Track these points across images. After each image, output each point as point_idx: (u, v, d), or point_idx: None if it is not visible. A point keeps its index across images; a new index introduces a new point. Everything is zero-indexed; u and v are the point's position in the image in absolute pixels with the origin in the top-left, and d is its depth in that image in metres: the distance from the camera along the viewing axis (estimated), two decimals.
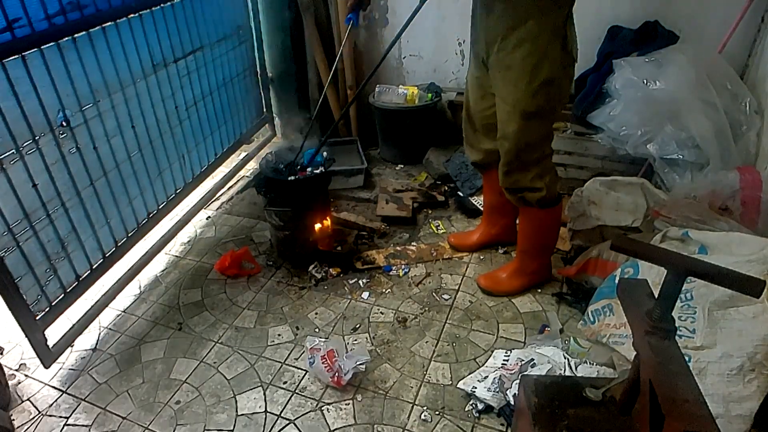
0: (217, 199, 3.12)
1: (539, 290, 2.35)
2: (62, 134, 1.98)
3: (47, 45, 1.85)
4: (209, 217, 2.99)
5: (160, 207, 2.58)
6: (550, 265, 2.37)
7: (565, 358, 1.89)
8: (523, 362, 1.89)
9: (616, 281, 1.91)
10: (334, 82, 3.37)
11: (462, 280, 2.44)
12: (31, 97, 1.83)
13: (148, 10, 2.34)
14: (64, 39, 1.92)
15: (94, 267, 2.22)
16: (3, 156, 1.75)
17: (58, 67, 1.92)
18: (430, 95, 3.12)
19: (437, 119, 3.27)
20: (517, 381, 1.82)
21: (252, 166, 3.43)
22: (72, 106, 2.00)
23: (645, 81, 2.44)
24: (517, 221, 2.30)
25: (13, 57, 1.75)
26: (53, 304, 2.03)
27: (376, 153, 3.48)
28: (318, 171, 2.41)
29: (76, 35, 1.98)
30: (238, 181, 3.31)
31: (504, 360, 1.98)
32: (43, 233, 1.95)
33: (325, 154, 2.48)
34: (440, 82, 3.26)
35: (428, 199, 2.93)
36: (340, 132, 3.50)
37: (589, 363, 1.83)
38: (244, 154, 3.39)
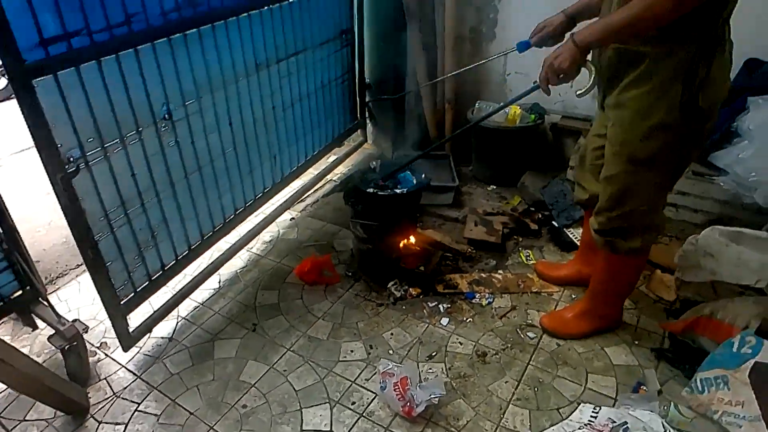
0: (303, 200, 3.11)
1: (636, 342, 2.13)
2: (164, 127, 2.01)
3: (160, 40, 1.88)
4: (293, 218, 2.98)
5: (248, 205, 2.59)
6: (622, 311, 2.16)
7: (663, 426, 1.68)
8: (614, 424, 1.70)
9: (734, 349, 1.68)
10: (432, 94, 3.27)
11: None
12: (139, 90, 1.86)
13: (257, 10, 2.34)
14: (176, 35, 1.95)
15: (179, 257, 2.25)
16: (108, 144, 1.79)
17: (167, 62, 1.95)
18: (533, 116, 2.95)
19: (538, 142, 3.09)
20: None
21: (340, 170, 3.40)
22: (176, 100, 2.03)
23: None
24: None
25: (127, 50, 1.78)
26: (138, 290, 2.07)
27: (468, 170, 3.34)
28: (396, 190, 2.29)
29: (186, 32, 2.00)
30: (325, 184, 3.29)
31: (592, 416, 1.79)
32: (136, 221, 1.99)
33: (423, 176, 2.37)
34: (545, 104, 3.06)
35: (520, 225, 2.75)
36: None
37: None
38: (333, 158, 3.37)
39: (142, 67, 1.85)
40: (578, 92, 1.66)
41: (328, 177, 3.32)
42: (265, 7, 2.38)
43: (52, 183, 1.65)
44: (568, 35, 1.61)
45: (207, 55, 2.12)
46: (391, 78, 3.28)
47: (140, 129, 1.91)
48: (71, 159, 1.68)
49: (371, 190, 2.27)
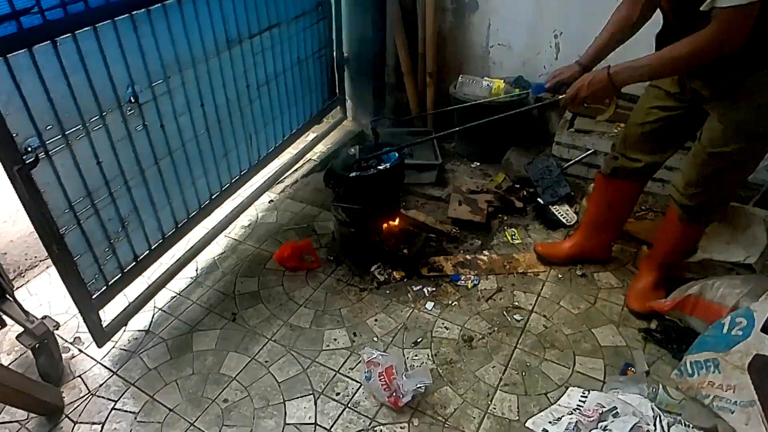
0: (281, 182, 3.01)
1: (624, 322, 2.10)
2: (130, 111, 1.89)
3: (121, 17, 1.74)
4: (272, 200, 2.88)
5: (224, 189, 2.49)
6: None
7: (653, 410, 1.66)
8: (604, 410, 1.67)
9: (724, 331, 1.65)
10: (413, 68, 3.15)
11: (537, 300, 2.22)
12: (100, 72, 1.74)
13: None
14: (139, 11, 1.81)
15: (153, 247, 2.16)
16: (69, 131, 1.68)
17: (130, 40, 1.81)
18: (517, 90, 2.85)
19: (522, 117, 3.00)
20: (596, 430, 1.62)
21: (320, 149, 3.30)
22: (142, 81, 1.91)
23: None
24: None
25: (85, 28, 1.65)
26: (110, 283, 1.98)
27: (451, 146, 3.26)
28: (379, 167, 2.20)
29: (150, 7, 1.87)
30: (305, 164, 3.18)
31: (580, 401, 1.77)
32: (105, 212, 1.88)
33: (405, 151, 2.28)
34: (529, 77, 2.97)
35: (505, 203, 2.69)
36: (414, 122, 3.30)
37: (685, 424, 1.59)
38: (312, 136, 3.25)
39: (102, 46, 1.72)
40: (599, 118, 1.82)
41: (308, 156, 3.21)
42: None
43: (8, 176, 1.53)
44: (603, 68, 1.66)
45: (174, 32, 1.98)
46: (371, 52, 3.16)
47: (104, 114, 1.79)
48: (29, 149, 1.57)
49: (354, 173, 2.16)
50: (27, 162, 1.56)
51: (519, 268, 2.36)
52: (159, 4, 1.89)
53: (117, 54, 1.78)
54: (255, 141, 2.64)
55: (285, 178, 3.03)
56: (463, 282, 2.30)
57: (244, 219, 2.73)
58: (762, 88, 1.58)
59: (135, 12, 1.80)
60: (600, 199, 2.22)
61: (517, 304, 2.21)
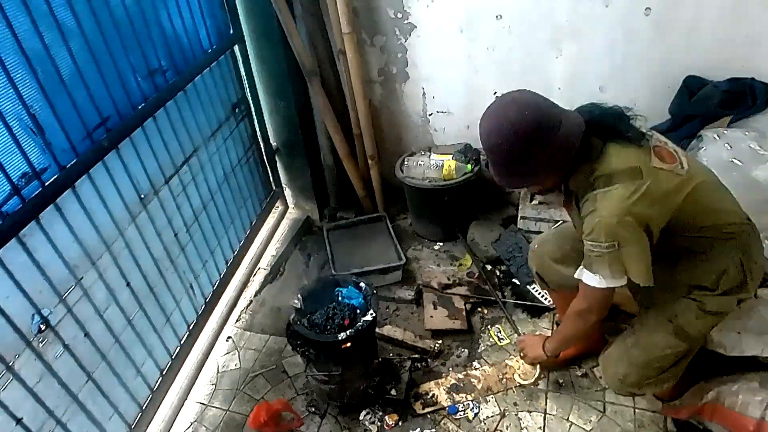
0: (234, 308, 2.68)
1: (640, 429, 1.96)
2: (42, 341, 1.56)
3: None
4: (229, 337, 2.56)
5: (174, 357, 2.17)
6: None
7: None
8: None
9: None
10: (351, 151, 2.88)
11: (544, 420, 2.04)
12: None
13: (126, 138, 1.86)
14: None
15: None
16: None
17: (21, 262, 1.47)
18: (469, 165, 2.63)
19: (478, 190, 2.79)
20: None
21: (270, 252, 2.96)
22: (48, 301, 1.57)
23: (743, 162, 1.96)
24: None
25: None
26: None
27: (407, 225, 3.02)
28: (366, 319, 1.94)
29: (39, 214, 1.52)
30: (254, 276, 2.86)
31: None
32: None
33: (362, 285, 2.04)
34: (475, 141, 2.75)
35: (482, 294, 2.49)
36: (364, 207, 3.03)
37: None
38: (258, 241, 2.92)
39: None
40: (521, 381, 2.12)
41: (258, 265, 2.89)
42: (134, 131, 1.89)
43: None
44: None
45: (74, 224, 1.64)
46: (301, 137, 2.85)
47: (10, 363, 1.45)
48: None
49: (331, 336, 1.89)
50: None
51: (516, 379, 2.16)
52: (51, 205, 1.55)
53: (8, 284, 1.44)
54: (197, 286, 2.33)
55: (237, 302, 2.71)
56: (462, 412, 2.09)
57: (206, 373, 2.40)
58: None
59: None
60: (563, 307, 2.01)
61: (525, 429, 2.02)
